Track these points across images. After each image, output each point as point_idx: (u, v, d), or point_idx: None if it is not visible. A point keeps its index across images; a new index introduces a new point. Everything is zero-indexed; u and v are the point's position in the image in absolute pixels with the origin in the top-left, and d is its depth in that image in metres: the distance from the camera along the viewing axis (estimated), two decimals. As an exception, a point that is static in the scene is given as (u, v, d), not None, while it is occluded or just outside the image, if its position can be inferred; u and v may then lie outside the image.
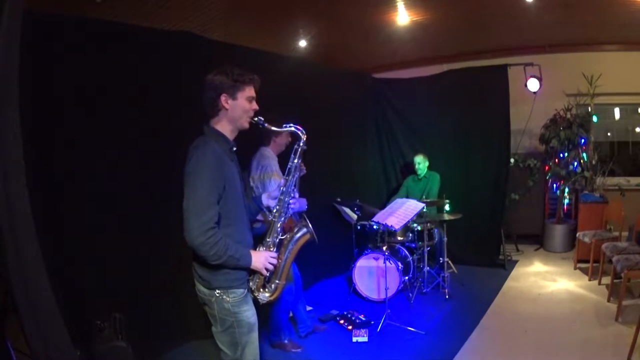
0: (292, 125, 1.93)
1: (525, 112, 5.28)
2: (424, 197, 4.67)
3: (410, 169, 5.18)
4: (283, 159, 3.19)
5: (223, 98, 1.74)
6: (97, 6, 4.03)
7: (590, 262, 4.42)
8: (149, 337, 2.88)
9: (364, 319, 3.62)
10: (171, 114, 2.95)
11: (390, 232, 4.06)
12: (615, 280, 3.77)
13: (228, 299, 1.75)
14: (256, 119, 1.83)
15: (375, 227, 4.23)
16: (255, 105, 1.82)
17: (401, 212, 3.66)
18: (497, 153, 5.08)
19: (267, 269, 1.81)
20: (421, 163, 4.87)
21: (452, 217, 4.18)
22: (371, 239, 4.46)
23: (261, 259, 1.79)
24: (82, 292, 2.59)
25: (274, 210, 1.92)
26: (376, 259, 3.96)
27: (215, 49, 3.46)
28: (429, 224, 4.29)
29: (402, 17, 5.25)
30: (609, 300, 3.77)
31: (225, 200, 1.70)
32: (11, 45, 1.62)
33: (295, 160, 1.95)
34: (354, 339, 3.31)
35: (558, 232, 5.60)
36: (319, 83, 4.53)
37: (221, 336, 1.81)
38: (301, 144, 1.97)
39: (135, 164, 2.83)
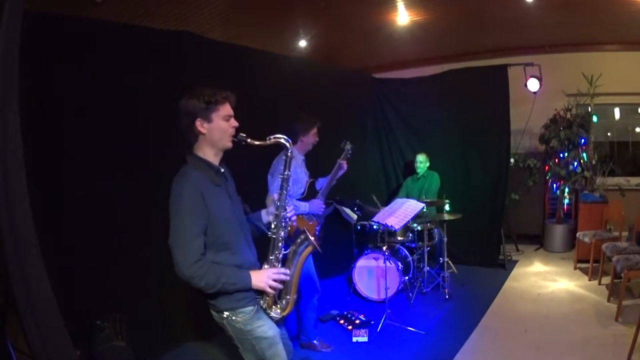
0: (276, 136, 1.82)
1: (525, 112, 5.28)
2: (422, 195, 4.68)
3: (410, 170, 5.18)
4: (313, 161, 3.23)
5: (198, 123, 1.68)
6: (97, 6, 4.03)
7: (590, 262, 4.42)
8: (149, 337, 2.88)
9: (364, 319, 3.62)
10: (171, 114, 2.94)
11: (390, 232, 4.05)
12: (615, 280, 3.76)
13: (238, 319, 1.71)
14: (238, 137, 1.75)
15: (375, 227, 4.23)
16: (234, 123, 1.74)
17: (401, 212, 3.65)
18: (497, 153, 5.08)
19: (272, 287, 1.74)
20: (422, 162, 4.87)
21: (452, 217, 4.18)
22: (371, 239, 4.46)
23: (262, 277, 1.72)
24: (82, 292, 2.59)
25: (272, 226, 1.84)
26: (376, 259, 3.96)
27: (215, 49, 3.46)
28: (429, 224, 4.29)
29: (402, 17, 5.25)
30: (609, 300, 3.77)
31: (213, 227, 1.65)
32: (11, 45, 1.62)
33: (287, 172, 1.85)
34: (354, 339, 3.31)
35: (558, 232, 5.60)
36: (319, 83, 4.53)
37: (247, 355, 1.79)
38: (289, 154, 1.86)
39: (135, 163, 2.84)
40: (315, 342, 3.19)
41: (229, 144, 1.75)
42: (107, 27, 2.83)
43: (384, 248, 3.96)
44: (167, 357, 3.03)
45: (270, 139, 1.81)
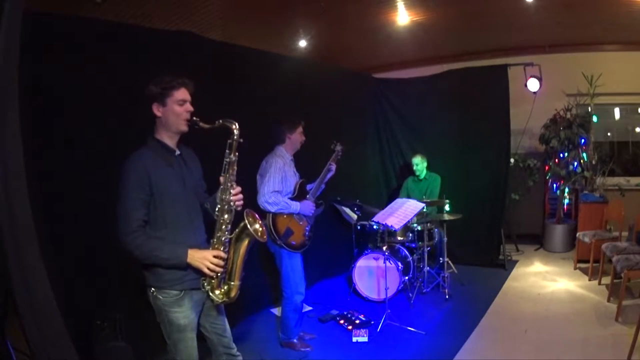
0: (225, 120, 1.86)
1: (525, 112, 5.28)
2: (424, 198, 4.67)
3: (410, 169, 5.18)
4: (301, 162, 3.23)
5: (154, 107, 1.83)
6: (97, 6, 4.03)
7: (590, 262, 4.43)
8: (149, 337, 2.87)
9: (364, 319, 3.62)
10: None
11: (390, 232, 4.06)
12: (615, 280, 3.77)
13: (160, 297, 1.84)
14: (192, 120, 1.86)
15: (375, 227, 4.23)
16: (188, 107, 1.85)
17: (401, 212, 3.66)
18: (497, 153, 5.08)
19: (210, 269, 1.78)
20: (419, 164, 4.85)
21: (452, 217, 4.18)
22: (371, 239, 4.46)
23: (197, 256, 1.78)
24: (82, 293, 2.58)
25: (217, 209, 1.87)
26: (376, 259, 3.96)
27: (215, 49, 3.46)
28: (429, 224, 4.29)
29: (402, 17, 5.25)
30: (609, 300, 3.77)
31: (156, 204, 1.77)
32: (11, 45, 1.62)
33: (231, 155, 1.87)
34: (354, 339, 3.31)
35: (558, 232, 5.60)
36: (319, 83, 4.53)
37: (162, 327, 1.90)
38: (235, 138, 1.86)
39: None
40: (294, 341, 3.18)
41: (184, 128, 1.87)
42: (107, 27, 2.83)
43: (384, 248, 3.96)
44: (167, 357, 3.03)
45: (219, 122, 1.88)
